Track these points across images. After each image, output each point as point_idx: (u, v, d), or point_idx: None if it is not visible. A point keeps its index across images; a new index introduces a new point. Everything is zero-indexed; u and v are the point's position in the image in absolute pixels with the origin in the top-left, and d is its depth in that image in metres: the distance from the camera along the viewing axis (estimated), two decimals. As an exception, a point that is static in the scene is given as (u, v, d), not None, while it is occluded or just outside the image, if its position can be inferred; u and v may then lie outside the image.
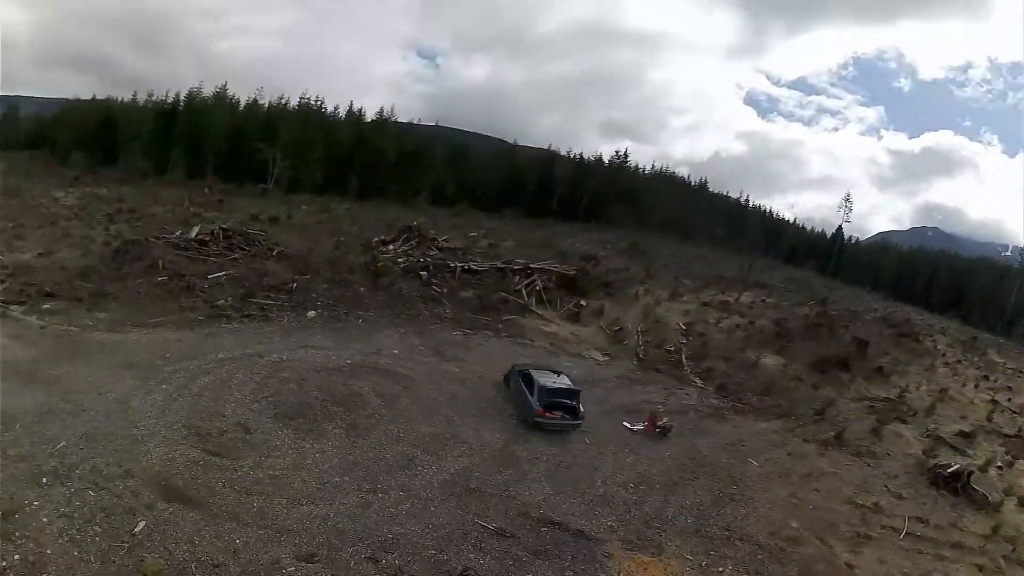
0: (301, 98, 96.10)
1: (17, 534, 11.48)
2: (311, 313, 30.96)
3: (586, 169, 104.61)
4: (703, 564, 15.31)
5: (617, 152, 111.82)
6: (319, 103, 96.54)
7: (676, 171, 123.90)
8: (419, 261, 41.24)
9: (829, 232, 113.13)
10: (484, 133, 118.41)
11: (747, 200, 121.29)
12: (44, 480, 13.24)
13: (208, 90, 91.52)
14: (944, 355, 41.48)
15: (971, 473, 21.72)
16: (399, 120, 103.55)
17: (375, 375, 22.75)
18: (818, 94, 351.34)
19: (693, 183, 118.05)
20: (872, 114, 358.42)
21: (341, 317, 30.68)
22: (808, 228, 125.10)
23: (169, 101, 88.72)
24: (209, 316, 27.88)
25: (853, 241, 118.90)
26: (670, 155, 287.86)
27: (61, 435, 15.21)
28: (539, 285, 40.82)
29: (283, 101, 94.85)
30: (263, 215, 55.12)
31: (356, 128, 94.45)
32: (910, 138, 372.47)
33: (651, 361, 31.91)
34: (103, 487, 13.33)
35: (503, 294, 38.37)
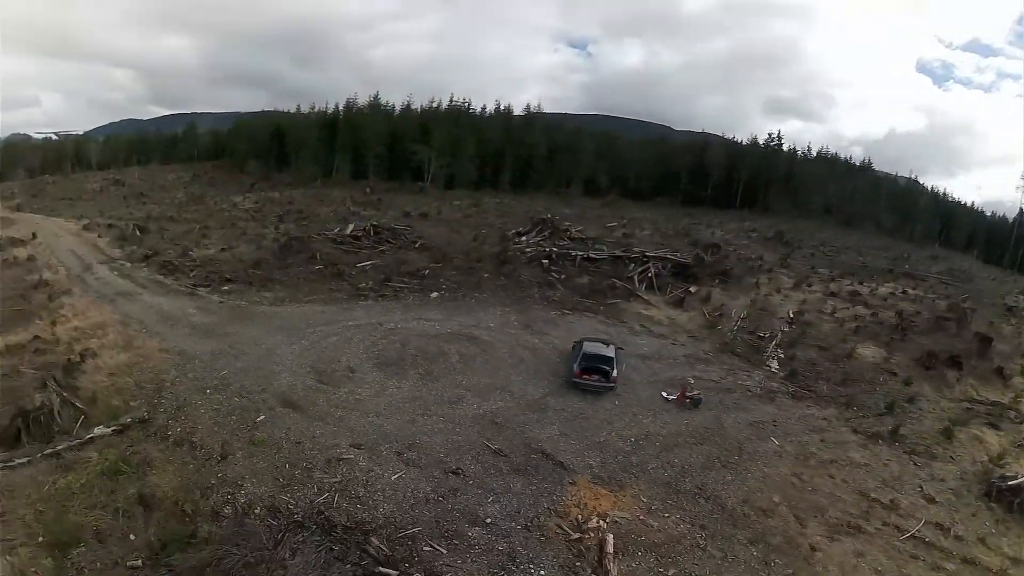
0: (451, 100, 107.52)
1: (183, 418, 20.06)
2: (434, 294, 38.79)
3: (740, 153, 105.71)
4: (652, 507, 17.95)
5: (770, 134, 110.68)
6: (467, 103, 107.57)
7: (848, 152, 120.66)
8: (544, 250, 48.16)
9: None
10: (642, 119, 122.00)
11: (918, 182, 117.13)
12: (207, 391, 21.95)
13: (364, 98, 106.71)
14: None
15: None
16: (552, 112, 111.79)
17: (464, 341, 29.56)
18: (995, 55, 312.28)
19: (856, 164, 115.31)
20: None
21: (459, 298, 38.10)
22: (990, 213, 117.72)
23: (330, 111, 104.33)
24: (351, 296, 37.06)
25: None
26: (842, 134, 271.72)
27: (224, 368, 24.08)
28: (652, 272, 45.84)
29: (434, 104, 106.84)
30: (415, 211, 65.21)
31: (506, 124, 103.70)
32: None
33: (733, 345, 33.69)
34: (244, 397, 21.67)
35: (614, 280, 43.62)
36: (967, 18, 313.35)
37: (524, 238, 52.87)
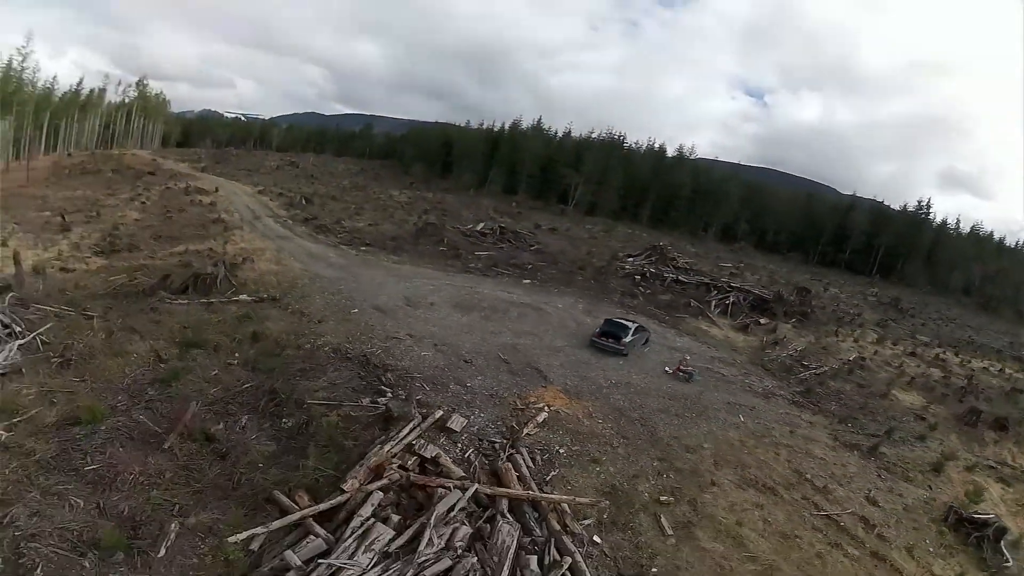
0: (607, 132, 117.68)
1: (303, 301, 29.98)
2: (527, 281, 47.31)
3: (885, 219, 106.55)
4: (593, 414, 22.76)
5: (919, 202, 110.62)
6: (622, 136, 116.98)
7: (1016, 235, 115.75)
8: (641, 268, 55.72)
9: None
10: (808, 177, 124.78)
11: None
12: (326, 293, 31.86)
13: (528, 120, 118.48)
14: None
15: (1002, 530, 20.70)
16: (715, 159, 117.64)
17: (529, 308, 37.44)
18: None
19: (1009, 245, 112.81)
20: None
21: (546, 287, 46.19)
22: None
23: (495, 128, 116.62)
24: (460, 270, 46.44)
25: None
26: (1013, 214, 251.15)
27: (343, 285, 34.09)
28: (730, 300, 51.86)
29: (592, 133, 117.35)
30: (546, 226, 74.14)
31: (656, 161, 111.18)
32: None
33: (769, 363, 37.23)
34: (349, 300, 31.23)
35: (691, 300, 49.99)
36: None
37: (632, 259, 60.31)
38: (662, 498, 18.42)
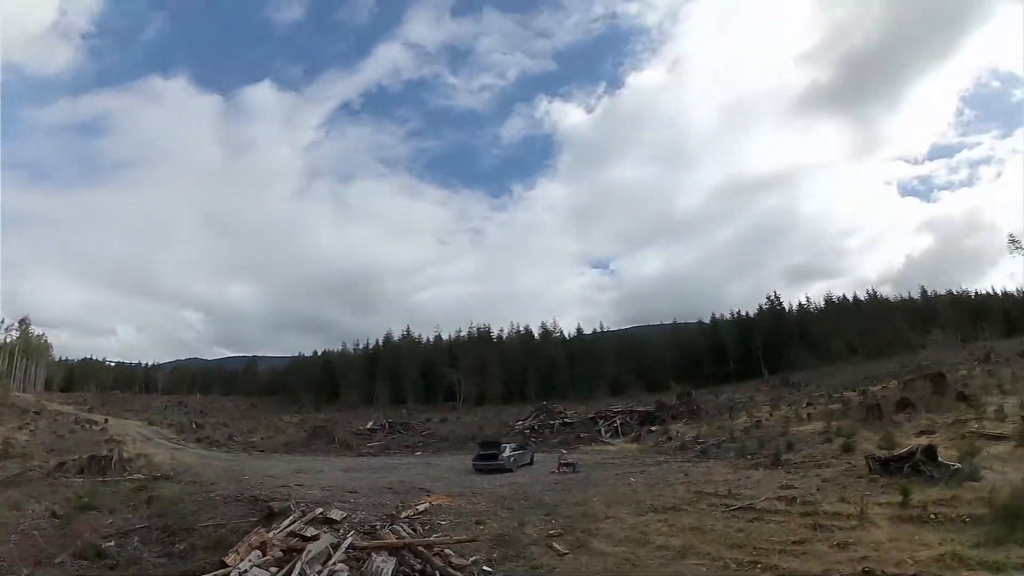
0: (472, 327, 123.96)
1: (191, 476, 29.34)
2: (418, 452, 48.84)
3: (750, 325, 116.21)
4: (474, 501, 23.54)
5: (769, 297, 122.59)
6: (487, 328, 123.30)
7: (878, 291, 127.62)
8: (531, 425, 58.16)
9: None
10: (676, 321, 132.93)
11: (928, 293, 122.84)
12: (219, 471, 31.39)
13: (397, 334, 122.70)
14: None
15: (931, 448, 21.28)
16: (588, 332, 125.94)
17: (419, 464, 40.11)
18: (957, 151, 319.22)
19: (863, 300, 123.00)
20: (1018, 140, 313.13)
21: (438, 453, 48.12)
22: (1017, 291, 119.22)
23: (371, 347, 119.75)
24: (352, 456, 47.70)
25: None
26: (866, 278, 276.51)
27: (237, 467, 34.35)
28: (618, 423, 54.67)
29: (461, 332, 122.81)
30: (436, 419, 75.61)
31: (526, 343, 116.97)
32: None
33: (665, 450, 40.39)
34: (241, 471, 31.20)
35: (580, 434, 52.93)
36: (916, 131, 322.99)
37: (521, 422, 62.67)
38: (551, 532, 18.55)
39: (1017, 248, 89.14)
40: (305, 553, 14.93)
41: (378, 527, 18.72)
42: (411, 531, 18.57)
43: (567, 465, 33.18)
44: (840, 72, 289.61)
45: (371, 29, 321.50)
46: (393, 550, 16.16)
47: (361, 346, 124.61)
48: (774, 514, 18.56)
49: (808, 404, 50.32)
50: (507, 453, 35.12)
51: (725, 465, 29.91)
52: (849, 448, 27.11)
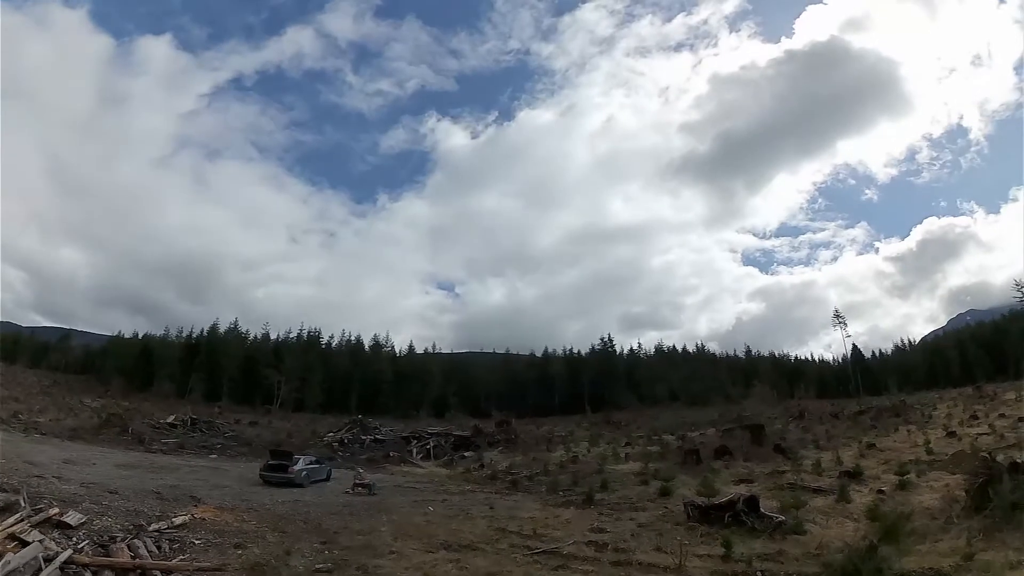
0: (302, 330, 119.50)
1: None
2: (212, 455, 45.54)
3: (581, 363, 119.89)
4: (243, 519, 21.34)
5: (602, 339, 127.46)
6: (317, 333, 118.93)
7: (703, 346, 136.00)
8: (340, 437, 56.07)
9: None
10: (509, 351, 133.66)
11: (753, 354, 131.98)
12: None
13: (224, 325, 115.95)
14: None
15: (753, 498, 21.17)
16: (422, 352, 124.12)
17: (206, 469, 36.81)
18: (803, 233, 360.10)
19: (691, 352, 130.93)
20: (858, 232, 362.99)
21: (233, 459, 44.40)
22: (832, 359, 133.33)
23: (194, 336, 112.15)
24: (141, 451, 43.01)
25: (876, 355, 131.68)
26: (696, 333, 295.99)
27: None
28: (431, 445, 53.48)
29: (289, 334, 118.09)
30: (246, 421, 71.49)
31: (354, 354, 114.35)
32: (902, 239, 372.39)
33: (475, 478, 39.61)
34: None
35: (390, 452, 51.33)
36: (770, 210, 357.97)
37: (332, 433, 60.27)
38: (319, 567, 16.02)
39: (840, 322, 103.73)
40: (2, 564, 12.54)
41: (117, 539, 16.13)
42: (154, 548, 16.13)
43: (363, 486, 31.66)
44: (716, 146, 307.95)
45: (289, 9, 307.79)
46: (121, 571, 14.02)
47: (184, 334, 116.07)
48: (582, 561, 17.30)
49: (627, 444, 52.38)
50: (299, 466, 32.99)
51: (535, 500, 29.72)
52: (667, 492, 27.34)
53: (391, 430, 63.29)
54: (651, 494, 28.09)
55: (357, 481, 31.95)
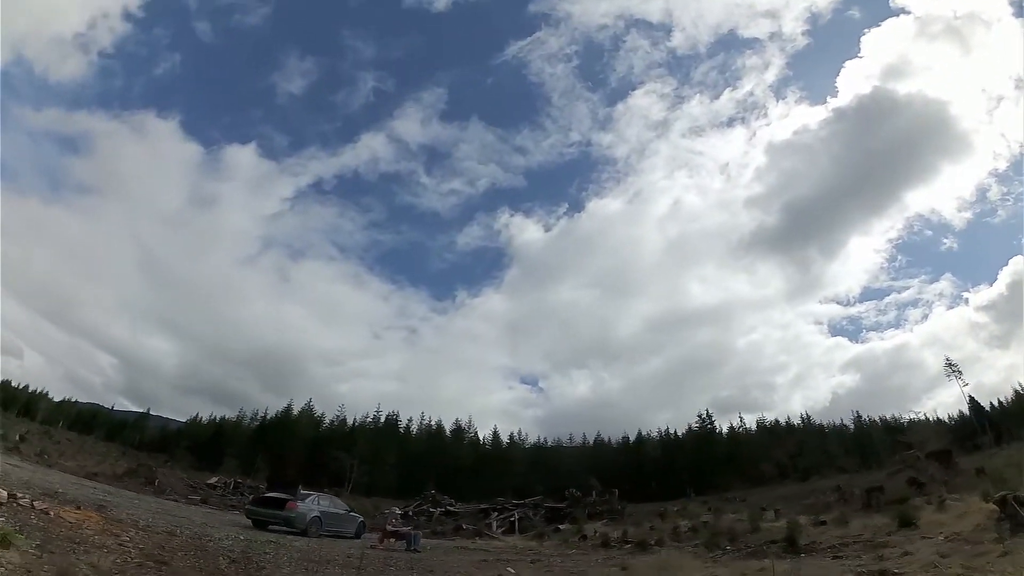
0: (379, 413, 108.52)
1: None
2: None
3: (677, 443, 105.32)
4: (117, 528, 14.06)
5: (700, 416, 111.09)
6: (395, 416, 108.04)
7: (810, 417, 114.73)
8: (405, 511, 45.29)
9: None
10: (599, 436, 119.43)
11: (863, 419, 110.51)
12: None
13: (298, 407, 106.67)
14: None
15: None
16: (491, 434, 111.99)
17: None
18: (887, 294, 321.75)
19: (795, 424, 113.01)
20: (944, 285, 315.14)
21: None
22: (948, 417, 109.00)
23: (266, 416, 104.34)
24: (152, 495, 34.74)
25: (995, 405, 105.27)
26: (791, 412, 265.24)
27: None
28: (516, 516, 41.27)
29: (366, 418, 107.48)
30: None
31: (432, 438, 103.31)
32: (991, 284, 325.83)
33: (582, 548, 29.16)
34: None
35: (461, 524, 40.61)
36: (850, 275, 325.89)
37: (397, 508, 49.05)
38: None
39: (955, 372, 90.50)
40: None
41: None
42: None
43: (398, 536, 19.63)
44: (784, 217, 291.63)
45: (362, 116, 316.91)
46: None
47: (260, 415, 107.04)
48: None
49: (763, 509, 39.53)
50: (305, 506, 22.87)
51: (688, 556, 19.82)
52: (908, 522, 18.81)
53: (465, 504, 52.27)
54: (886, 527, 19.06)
55: (391, 527, 19.80)
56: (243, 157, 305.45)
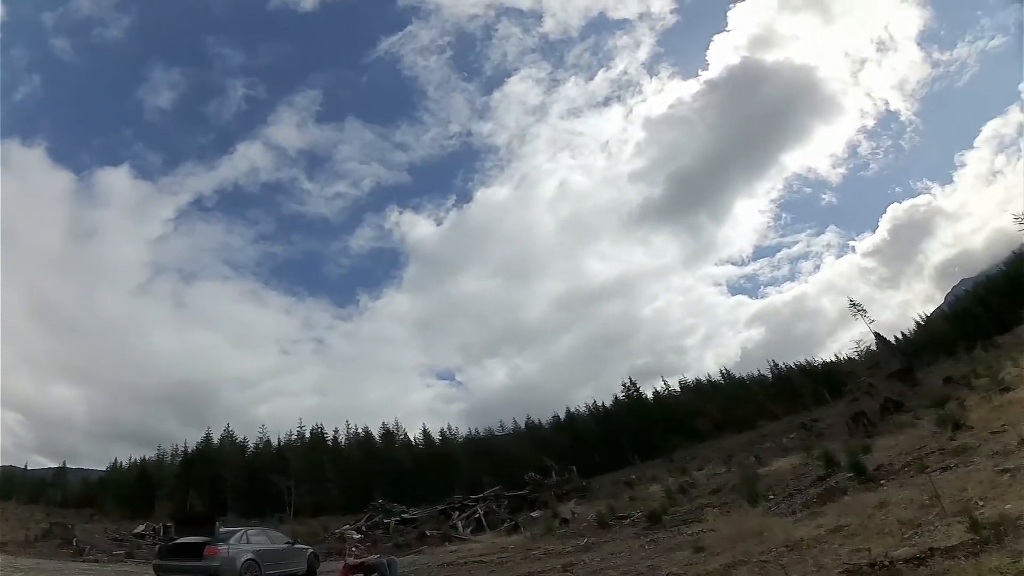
0: (302, 429, 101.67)
1: None
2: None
3: (608, 413, 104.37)
4: None
5: (624, 384, 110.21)
6: (319, 430, 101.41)
7: (730, 371, 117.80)
8: (358, 527, 40.54)
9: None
10: (529, 419, 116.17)
11: (782, 366, 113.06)
12: None
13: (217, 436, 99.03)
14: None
15: None
16: (422, 434, 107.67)
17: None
18: (779, 250, 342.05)
19: (715, 380, 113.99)
20: (830, 236, 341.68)
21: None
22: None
23: (190, 452, 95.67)
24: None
25: (899, 338, 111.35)
26: (705, 371, 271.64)
27: None
28: (480, 512, 37.45)
29: (292, 436, 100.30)
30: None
31: (364, 447, 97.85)
32: (873, 232, 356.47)
33: (578, 532, 26.19)
34: None
35: (425, 531, 36.20)
36: (739, 236, 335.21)
37: (348, 526, 45.01)
38: None
39: (859, 311, 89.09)
40: None
41: None
42: None
43: (367, 572, 14.97)
44: (670, 188, 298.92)
45: (236, 126, 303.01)
46: None
47: (180, 450, 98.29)
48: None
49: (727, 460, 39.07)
50: (231, 546, 17.74)
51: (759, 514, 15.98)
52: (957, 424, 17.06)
53: (420, 509, 47.57)
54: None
55: (352, 559, 15.25)
56: (117, 180, 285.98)
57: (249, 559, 17.73)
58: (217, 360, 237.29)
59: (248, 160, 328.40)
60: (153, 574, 17.99)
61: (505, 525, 34.37)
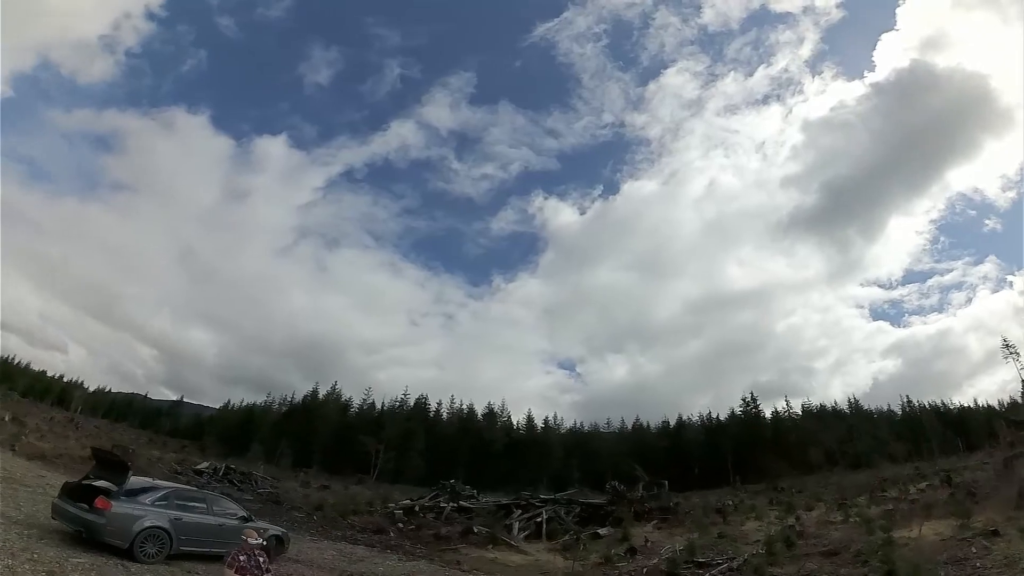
0: (407, 396, 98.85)
1: None
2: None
3: (720, 428, 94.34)
4: None
5: (744, 400, 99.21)
6: (424, 401, 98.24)
7: (859, 402, 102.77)
8: (412, 505, 36.60)
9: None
10: (637, 421, 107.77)
11: (913, 403, 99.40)
12: None
13: (324, 391, 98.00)
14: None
15: None
16: (525, 418, 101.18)
17: None
18: (930, 277, 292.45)
19: (843, 409, 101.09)
20: (989, 267, 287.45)
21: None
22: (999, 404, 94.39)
23: (291, 401, 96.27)
24: None
25: None
26: (832, 397, 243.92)
27: None
28: (544, 517, 31.07)
29: (395, 403, 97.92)
30: (316, 485, 53.99)
31: (463, 423, 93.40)
32: None
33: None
34: None
35: (473, 528, 29.91)
36: (891, 257, 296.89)
37: (410, 500, 40.12)
38: None
39: (1011, 353, 74.32)
40: None
41: None
42: None
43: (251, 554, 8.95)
44: (823, 197, 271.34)
45: (390, 104, 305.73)
46: None
47: (288, 400, 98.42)
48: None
49: (841, 506, 30.40)
50: (125, 504, 12.54)
51: None
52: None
53: (488, 496, 42.65)
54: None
55: (250, 538, 9.14)
56: (274, 148, 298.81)
57: (154, 527, 12.72)
58: (347, 323, 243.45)
59: (400, 137, 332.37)
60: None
61: (564, 538, 27.95)
